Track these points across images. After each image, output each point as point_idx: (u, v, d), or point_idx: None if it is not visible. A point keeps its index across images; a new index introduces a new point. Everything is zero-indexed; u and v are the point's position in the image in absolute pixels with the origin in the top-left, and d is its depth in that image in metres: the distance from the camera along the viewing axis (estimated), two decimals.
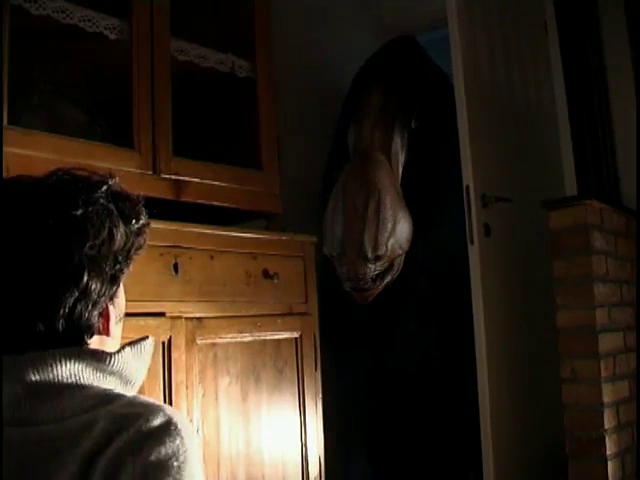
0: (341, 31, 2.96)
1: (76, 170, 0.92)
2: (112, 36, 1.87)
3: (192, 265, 1.81)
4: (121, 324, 0.97)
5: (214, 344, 1.84)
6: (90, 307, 0.87)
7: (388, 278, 2.31)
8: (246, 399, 1.90)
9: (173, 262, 1.77)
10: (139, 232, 0.93)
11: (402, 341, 2.59)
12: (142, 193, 0.97)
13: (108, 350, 0.90)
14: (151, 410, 0.81)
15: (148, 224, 0.96)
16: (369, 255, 2.19)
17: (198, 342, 1.79)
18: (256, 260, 1.99)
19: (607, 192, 2.53)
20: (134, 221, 0.92)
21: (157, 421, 0.79)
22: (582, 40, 2.62)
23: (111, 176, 0.93)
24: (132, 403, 0.84)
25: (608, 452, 2.00)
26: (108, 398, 0.84)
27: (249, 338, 1.93)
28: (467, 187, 2.23)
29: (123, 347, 0.90)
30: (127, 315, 1.62)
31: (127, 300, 1.71)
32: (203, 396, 1.78)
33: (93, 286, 0.86)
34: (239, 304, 1.93)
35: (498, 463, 2.13)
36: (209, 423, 1.79)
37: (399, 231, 2.26)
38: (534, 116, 2.66)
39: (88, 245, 0.85)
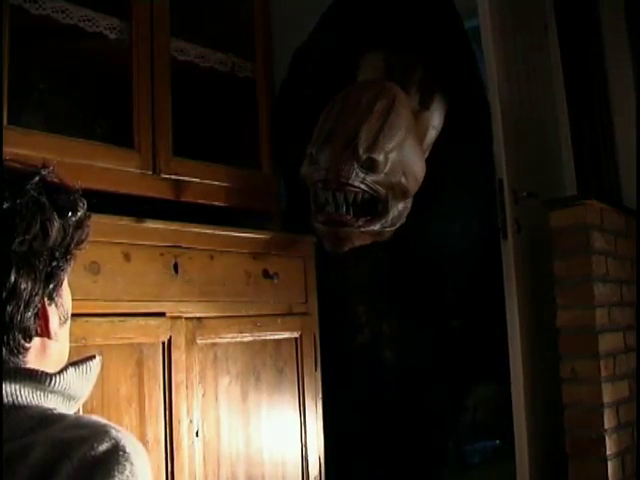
0: None
1: (5, 162, 0.86)
2: (112, 36, 1.87)
3: (192, 265, 1.81)
4: (67, 325, 0.90)
5: (214, 344, 1.84)
6: (22, 308, 0.80)
7: (376, 226, 1.86)
8: (246, 399, 1.90)
9: (173, 262, 1.77)
10: (78, 225, 0.86)
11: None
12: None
13: (54, 355, 0.86)
14: (96, 433, 0.75)
15: (88, 216, 0.88)
16: (360, 151, 1.73)
17: (198, 342, 1.79)
18: (256, 260, 1.98)
19: (607, 192, 2.53)
20: (70, 213, 0.85)
21: (103, 446, 0.73)
22: (582, 42, 2.62)
23: (45, 166, 0.86)
24: (75, 425, 0.77)
25: (608, 452, 1.99)
26: (49, 420, 0.77)
27: (249, 338, 1.93)
28: (500, 181, 2.17)
29: (66, 367, 0.84)
30: (128, 315, 1.64)
31: (127, 300, 1.70)
32: (203, 396, 1.78)
33: (23, 285, 0.79)
34: (239, 304, 1.93)
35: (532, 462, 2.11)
36: (209, 423, 1.79)
37: (408, 154, 1.83)
38: (539, 115, 2.65)
39: (17, 241, 0.79)
